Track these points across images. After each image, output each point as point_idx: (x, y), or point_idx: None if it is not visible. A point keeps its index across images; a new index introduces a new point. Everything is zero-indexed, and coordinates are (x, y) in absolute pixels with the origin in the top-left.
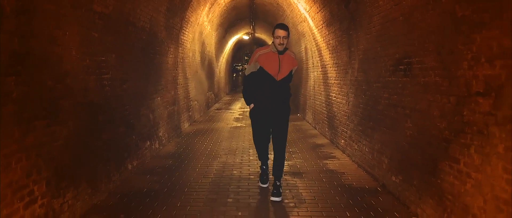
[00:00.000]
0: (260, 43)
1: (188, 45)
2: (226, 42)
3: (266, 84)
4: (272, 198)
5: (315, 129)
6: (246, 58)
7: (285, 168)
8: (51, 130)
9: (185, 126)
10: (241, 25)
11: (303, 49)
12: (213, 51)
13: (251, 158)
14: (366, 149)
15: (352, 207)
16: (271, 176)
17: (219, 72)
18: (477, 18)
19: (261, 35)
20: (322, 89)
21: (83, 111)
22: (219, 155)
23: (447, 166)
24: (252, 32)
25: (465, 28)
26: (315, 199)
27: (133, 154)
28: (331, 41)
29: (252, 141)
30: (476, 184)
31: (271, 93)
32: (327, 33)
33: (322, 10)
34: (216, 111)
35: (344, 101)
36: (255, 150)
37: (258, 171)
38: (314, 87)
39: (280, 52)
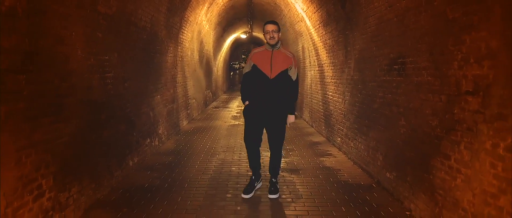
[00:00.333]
0: (258, 42)
1: (187, 44)
2: (224, 41)
3: (260, 83)
4: (270, 196)
5: (312, 127)
6: (243, 56)
7: (283, 165)
8: (56, 126)
9: (184, 123)
10: (239, 24)
11: (300, 49)
12: (211, 50)
13: None
14: (362, 147)
15: (347, 202)
16: (267, 173)
17: (217, 71)
18: (467, 21)
19: (259, 34)
20: (319, 88)
21: (86, 108)
22: (218, 152)
23: (438, 162)
24: (250, 31)
25: (455, 30)
26: (312, 195)
27: (134, 151)
28: (328, 41)
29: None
30: (465, 179)
31: (265, 92)
32: (324, 33)
33: (319, 10)
34: (214, 109)
35: (340, 100)
36: None
37: None
38: (311, 86)
39: (273, 47)
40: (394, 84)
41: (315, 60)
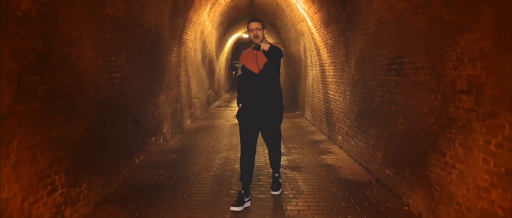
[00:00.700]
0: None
1: (190, 44)
2: (226, 40)
3: (250, 82)
4: (272, 192)
5: (314, 125)
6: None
7: (285, 163)
8: (69, 125)
9: (187, 122)
10: (241, 24)
11: (301, 48)
12: (214, 50)
13: None
14: (362, 144)
15: (347, 198)
16: (270, 170)
17: (219, 70)
18: (461, 23)
19: None
20: (321, 87)
21: (96, 107)
22: (221, 150)
23: (435, 159)
24: None
25: (450, 31)
26: (313, 191)
27: (140, 149)
28: (329, 41)
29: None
30: (460, 175)
31: (255, 89)
32: (325, 33)
33: (320, 11)
34: (217, 108)
35: (341, 99)
36: None
37: (257, 165)
38: (312, 85)
39: (257, 49)
40: (393, 83)
41: (317, 60)
